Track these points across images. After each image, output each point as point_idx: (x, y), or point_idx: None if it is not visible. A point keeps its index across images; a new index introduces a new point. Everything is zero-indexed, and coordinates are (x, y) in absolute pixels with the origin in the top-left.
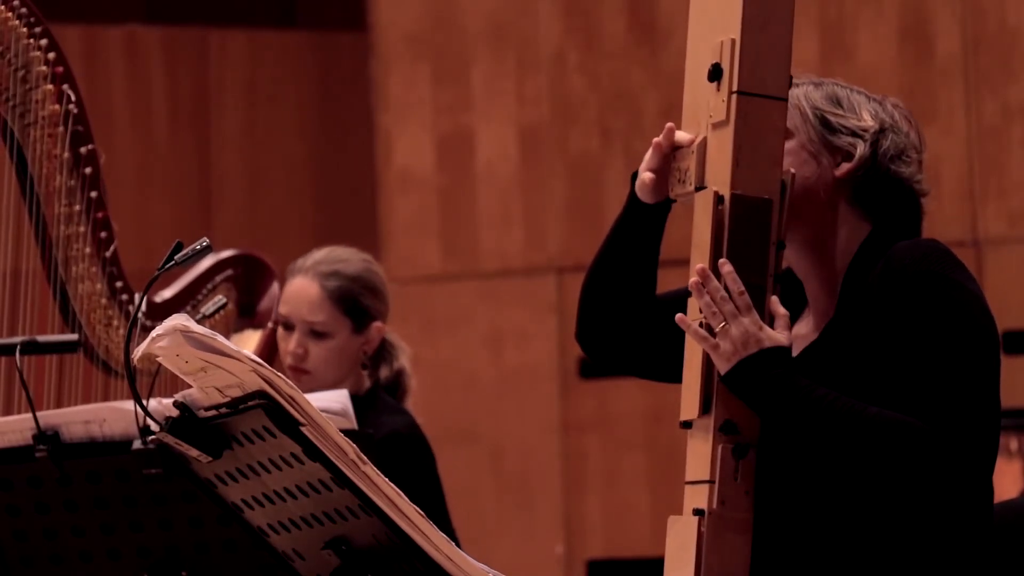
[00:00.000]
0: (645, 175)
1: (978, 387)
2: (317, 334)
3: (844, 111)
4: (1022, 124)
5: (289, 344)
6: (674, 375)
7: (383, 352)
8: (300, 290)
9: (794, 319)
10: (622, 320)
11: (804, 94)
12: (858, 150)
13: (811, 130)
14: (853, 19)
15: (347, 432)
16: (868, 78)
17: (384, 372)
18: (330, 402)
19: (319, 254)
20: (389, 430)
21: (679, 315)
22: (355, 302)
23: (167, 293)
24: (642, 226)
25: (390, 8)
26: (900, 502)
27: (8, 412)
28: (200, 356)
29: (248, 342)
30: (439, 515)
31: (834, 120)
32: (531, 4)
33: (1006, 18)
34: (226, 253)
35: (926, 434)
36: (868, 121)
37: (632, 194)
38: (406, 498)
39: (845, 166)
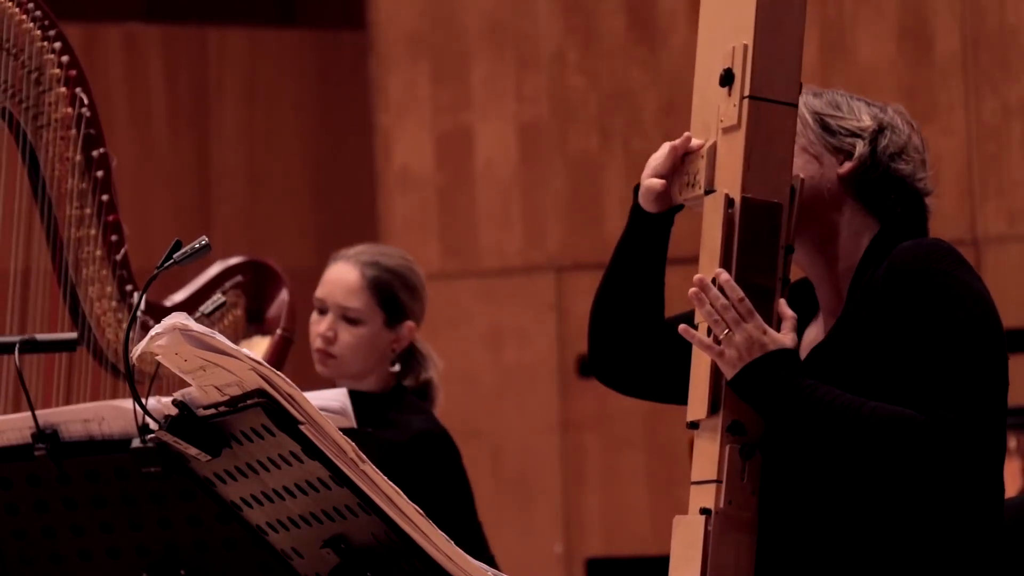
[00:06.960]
0: (654, 181)
1: (980, 379)
2: (349, 320)
3: (843, 114)
4: (1022, 123)
5: (320, 327)
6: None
7: (412, 360)
8: (339, 275)
9: (809, 323)
10: (633, 344)
11: (804, 101)
12: (857, 148)
13: (811, 133)
14: (853, 19)
15: (346, 431)
16: (868, 78)
17: (409, 381)
18: (329, 401)
19: (363, 246)
20: (419, 429)
21: (682, 326)
22: (391, 295)
23: (177, 297)
24: (647, 238)
25: (389, 7)
26: (904, 496)
27: (15, 411)
28: (199, 355)
29: (257, 348)
30: (467, 512)
31: (833, 122)
32: (531, 3)
33: (1006, 17)
34: (235, 259)
35: (922, 426)
36: (867, 121)
37: (636, 206)
38: (405, 497)
39: (847, 165)
